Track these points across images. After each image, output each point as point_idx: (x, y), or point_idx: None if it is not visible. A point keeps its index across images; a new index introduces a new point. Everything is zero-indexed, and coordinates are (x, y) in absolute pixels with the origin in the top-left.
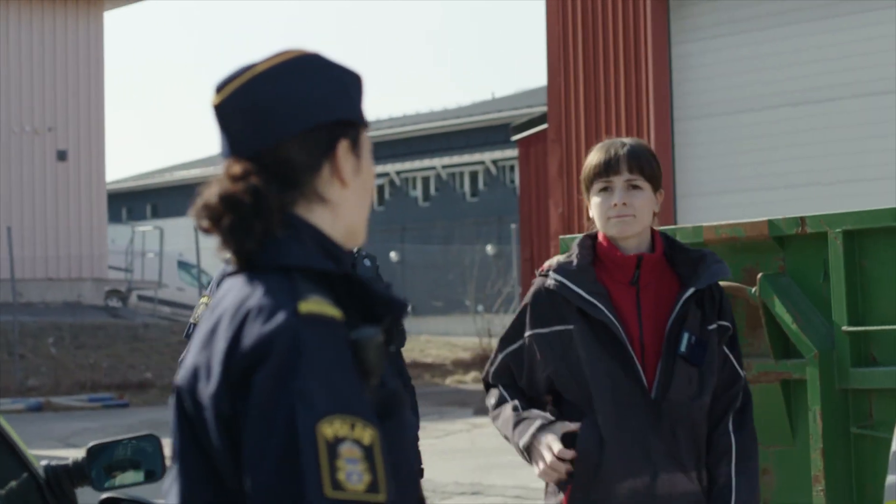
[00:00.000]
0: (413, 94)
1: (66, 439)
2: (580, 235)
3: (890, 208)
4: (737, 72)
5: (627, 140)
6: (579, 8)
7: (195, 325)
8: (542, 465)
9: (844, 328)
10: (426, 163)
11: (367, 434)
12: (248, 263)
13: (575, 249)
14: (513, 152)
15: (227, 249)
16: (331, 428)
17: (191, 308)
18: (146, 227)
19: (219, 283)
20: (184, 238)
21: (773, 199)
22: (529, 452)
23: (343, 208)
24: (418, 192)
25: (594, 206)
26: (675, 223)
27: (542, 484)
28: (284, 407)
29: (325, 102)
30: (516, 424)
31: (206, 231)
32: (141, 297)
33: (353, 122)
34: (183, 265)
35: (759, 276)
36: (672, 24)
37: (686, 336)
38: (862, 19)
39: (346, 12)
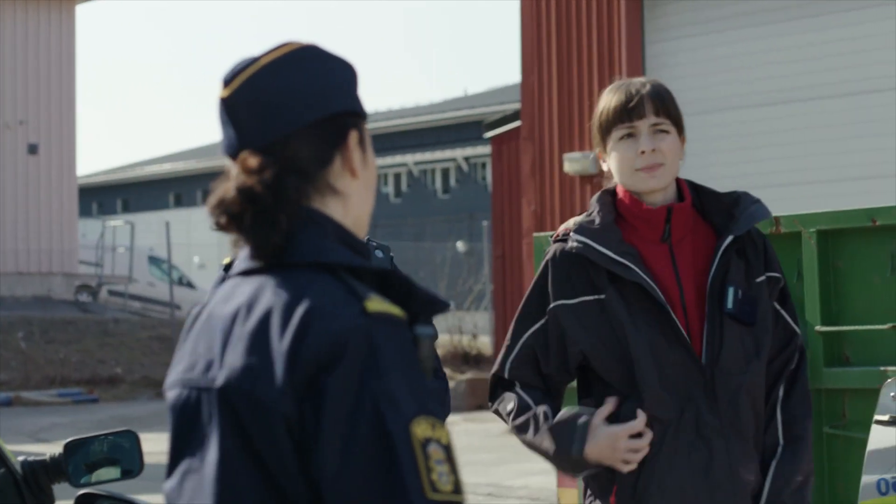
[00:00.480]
0: (385, 91)
1: (35, 434)
2: (596, 194)
3: (864, 209)
4: (711, 71)
5: (642, 79)
6: (554, 5)
7: None
8: (623, 459)
9: (818, 328)
10: (398, 159)
11: (444, 434)
12: (274, 260)
13: (595, 206)
14: (485, 149)
15: (250, 245)
16: (419, 429)
17: (161, 303)
18: (117, 222)
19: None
20: (155, 233)
21: None
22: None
23: (353, 200)
24: (390, 189)
25: (615, 156)
26: None
27: (514, 481)
28: (368, 408)
29: (330, 93)
30: (559, 435)
31: (223, 228)
32: (111, 292)
33: (357, 113)
34: (153, 260)
35: None
36: (646, 24)
37: (731, 291)
38: (837, 19)
39: (317, 9)
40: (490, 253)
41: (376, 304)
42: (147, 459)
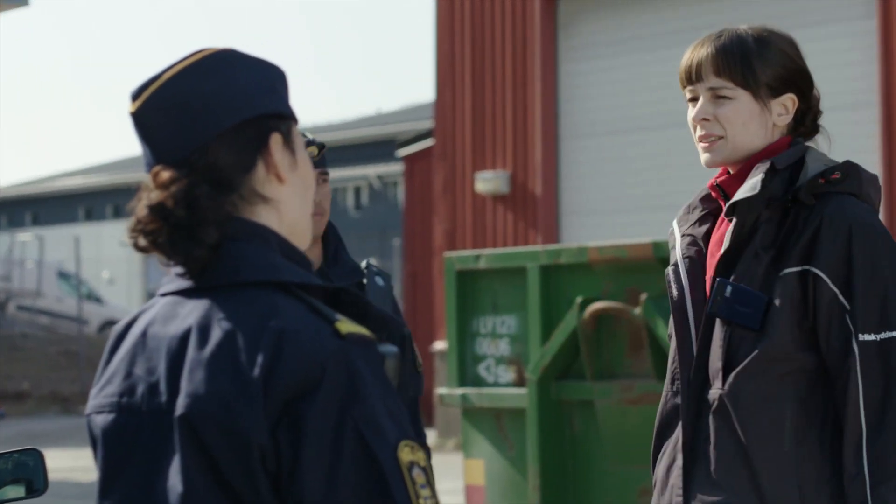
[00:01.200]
0: (297, 109)
1: None
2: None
3: None
4: (623, 92)
5: (732, 29)
6: (468, 25)
7: None
8: None
9: None
10: None
11: (422, 456)
12: (225, 279)
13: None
14: (398, 167)
15: (176, 263)
16: (404, 454)
17: (70, 318)
18: (26, 236)
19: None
20: (64, 248)
21: (660, 220)
22: None
23: (285, 206)
24: None
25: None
26: (559, 242)
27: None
28: (351, 435)
29: (249, 96)
30: None
31: (143, 250)
32: (19, 307)
33: (282, 116)
34: (63, 275)
35: (643, 297)
36: (560, 43)
37: (717, 286)
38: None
39: (224, 23)
40: (402, 271)
41: (347, 325)
42: (54, 476)
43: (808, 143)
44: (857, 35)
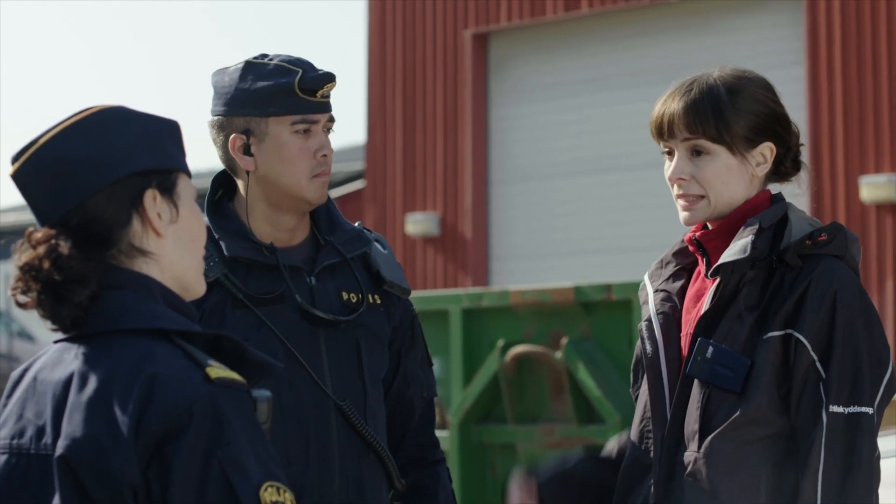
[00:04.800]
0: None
1: None
2: None
3: None
4: (552, 137)
5: (701, 81)
6: (400, 66)
7: None
8: None
9: None
10: None
11: (289, 497)
12: (109, 326)
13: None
14: None
15: (45, 319)
16: (267, 494)
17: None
18: None
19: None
20: None
21: (587, 265)
22: None
23: (166, 259)
24: None
25: None
26: (489, 285)
27: None
28: (216, 475)
29: (125, 155)
30: None
31: (24, 307)
32: None
33: (164, 171)
34: None
35: (564, 340)
36: (491, 87)
37: (699, 346)
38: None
39: (145, 58)
40: None
41: (217, 370)
42: None
43: (792, 179)
44: (786, 81)
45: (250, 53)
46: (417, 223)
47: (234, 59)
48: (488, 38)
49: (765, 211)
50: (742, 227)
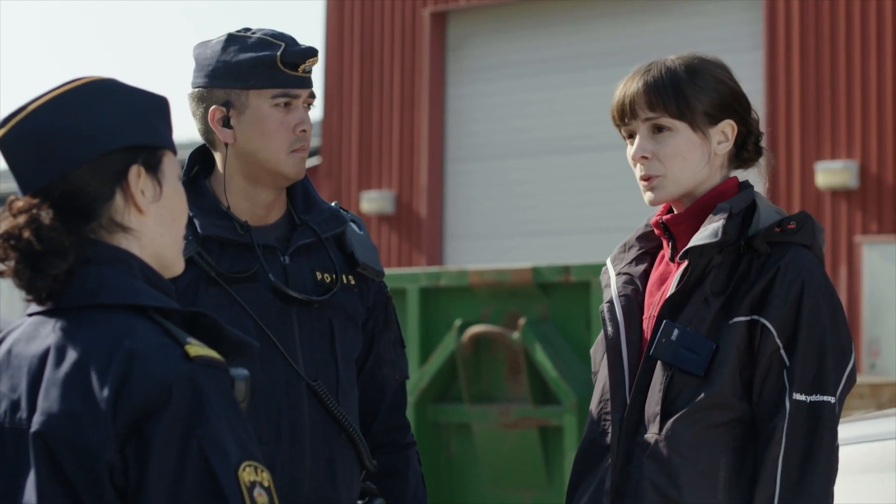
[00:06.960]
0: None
1: None
2: None
3: None
4: (509, 116)
5: (659, 63)
6: (357, 44)
7: None
8: None
9: None
10: None
11: (266, 477)
12: (87, 300)
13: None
14: None
15: (22, 289)
16: (245, 474)
17: None
18: None
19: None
20: None
21: (544, 245)
22: None
23: (146, 236)
24: None
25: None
26: (443, 264)
27: None
28: (195, 455)
29: (112, 129)
30: None
31: (2, 275)
32: None
33: (150, 147)
34: None
35: (522, 321)
36: (449, 66)
37: (664, 329)
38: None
39: (115, 43)
40: None
41: (197, 348)
42: None
43: (753, 165)
44: (744, 66)
45: (201, 24)
46: (372, 201)
47: (184, 28)
48: (447, 17)
49: (734, 197)
50: (712, 213)
